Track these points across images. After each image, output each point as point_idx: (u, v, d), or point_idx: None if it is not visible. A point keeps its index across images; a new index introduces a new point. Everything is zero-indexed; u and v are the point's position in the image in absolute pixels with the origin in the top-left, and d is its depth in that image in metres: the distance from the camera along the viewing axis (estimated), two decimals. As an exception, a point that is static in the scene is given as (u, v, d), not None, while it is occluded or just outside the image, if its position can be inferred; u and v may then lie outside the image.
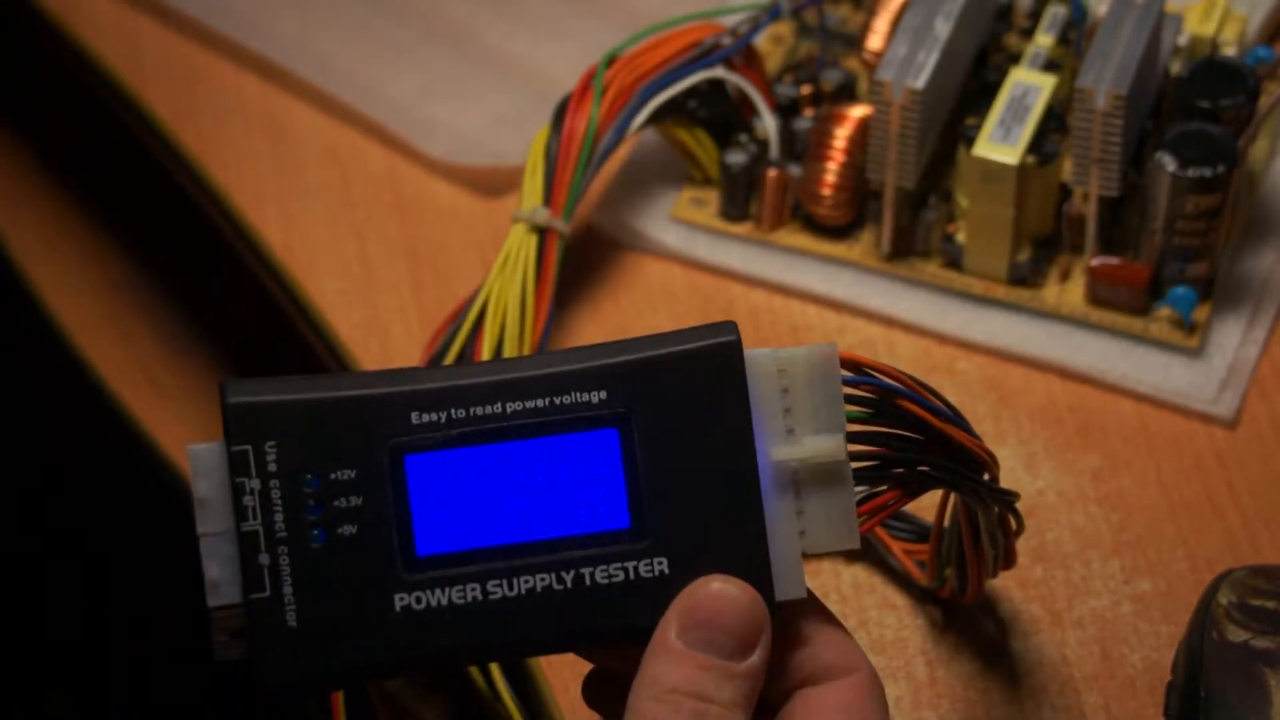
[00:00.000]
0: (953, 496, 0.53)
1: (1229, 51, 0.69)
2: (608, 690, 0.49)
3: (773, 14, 0.70)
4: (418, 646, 0.45)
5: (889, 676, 0.60)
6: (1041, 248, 0.68)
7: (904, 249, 0.68)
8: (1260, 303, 0.67)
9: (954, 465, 0.48)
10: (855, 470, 0.47)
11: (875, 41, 0.72)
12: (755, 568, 0.46)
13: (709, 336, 0.46)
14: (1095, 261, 0.66)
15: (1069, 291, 0.67)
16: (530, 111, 0.73)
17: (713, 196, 0.71)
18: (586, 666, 0.59)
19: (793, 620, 0.47)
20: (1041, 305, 0.67)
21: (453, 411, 0.45)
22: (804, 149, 0.70)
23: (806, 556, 0.46)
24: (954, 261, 0.68)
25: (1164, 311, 0.66)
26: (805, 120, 0.71)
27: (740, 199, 0.70)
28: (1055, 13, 0.70)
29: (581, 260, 0.70)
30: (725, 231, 0.70)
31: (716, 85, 0.70)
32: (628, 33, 0.68)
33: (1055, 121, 0.67)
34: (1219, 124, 0.64)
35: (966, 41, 0.68)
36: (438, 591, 0.45)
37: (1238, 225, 0.68)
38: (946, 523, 0.55)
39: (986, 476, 0.49)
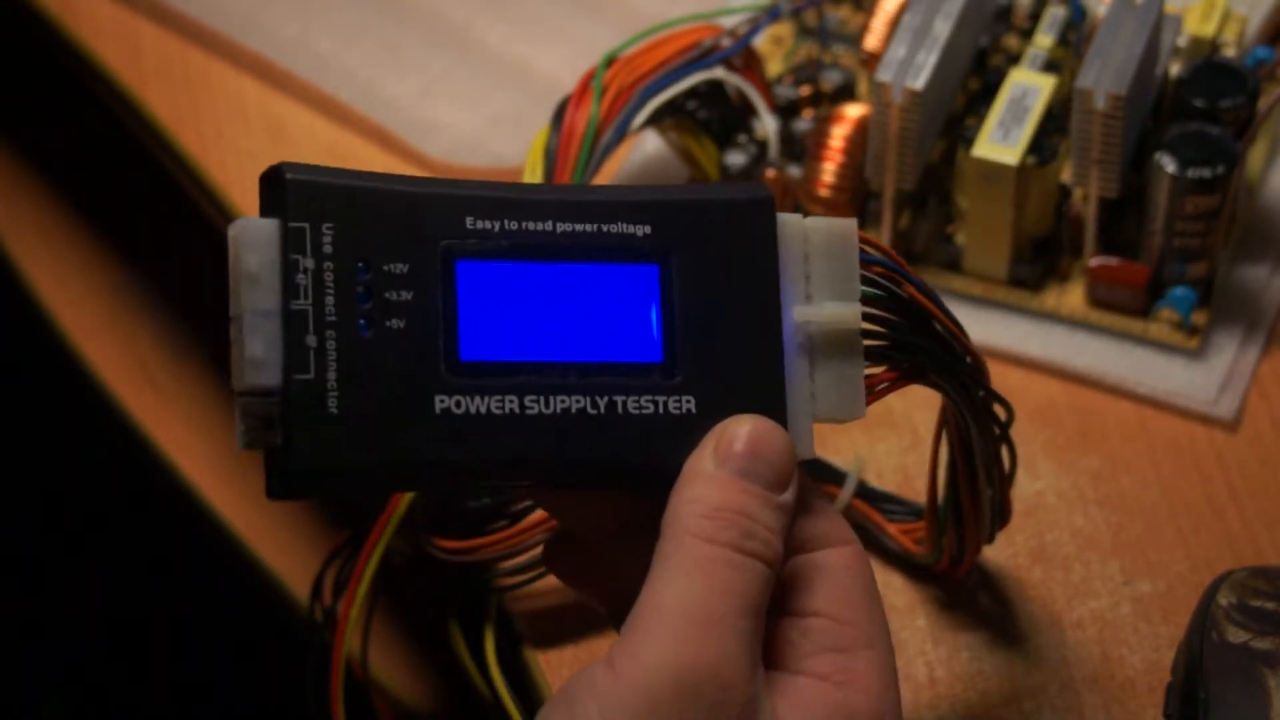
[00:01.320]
0: (946, 434, 0.54)
1: (1229, 52, 0.69)
2: (570, 553, 0.50)
3: (772, 15, 0.70)
4: (452, 450, 0.44)
5: (888, 677, 0.60)
6: (1041, 249, 0.68)
7: (903, 250, 0.68)
8: (1260, 304, 0.67)
9: (950, 358, 0.49)
10: (868, 348, 0.48)
11: (874, 42, 0.72)
12: (776, 419, 0.46)
13: (746, 191, 0.47)
14: (1095, 262, 0.66)
15: (1069, 293, 0.67)
16: (530, 112, 0.73)
17: (712, 197, 0.71)
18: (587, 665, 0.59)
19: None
20: (1041, 306, 0.67)
21: (506, 222, 0.46)
22: (803, 150, 0.70)
23: (817, 420, 0.47)
24: (953, 263, 0.68)
25: (1164, 313, 0.66)
26: (805, 121, 0.71)
27: (740, 200, 0.70)
28: (1055, 14, 0.70)
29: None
30: (725, 232, 0.70)
31: (716, 86, 0.70)
32: (627, 34, 0.68)
33: (1055, 122, 0.67)
34: (1218, 125, 0.64)
35: (966, 42, 0.69)
36: (477, 399, 0.45)
37: (1237, 226, 0.68)
38: (942, 467, 0.56)
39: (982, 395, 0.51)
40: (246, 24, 0.79)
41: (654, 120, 0.68)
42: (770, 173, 0.69)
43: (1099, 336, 0.67)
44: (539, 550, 0.60)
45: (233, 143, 0.76)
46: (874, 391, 0.49)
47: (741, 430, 0.46)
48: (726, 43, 0.69)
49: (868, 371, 0.48)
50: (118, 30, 0.79)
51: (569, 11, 0.79)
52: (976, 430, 0.53)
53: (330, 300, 0.44)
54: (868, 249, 0.48)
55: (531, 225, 0.46)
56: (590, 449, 0.46)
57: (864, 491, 0.62)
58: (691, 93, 0.69)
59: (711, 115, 0.70)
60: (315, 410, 0.43)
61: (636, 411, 0.46)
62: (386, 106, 0.76)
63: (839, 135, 0.68)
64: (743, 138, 0.70)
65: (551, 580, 0.62)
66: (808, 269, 0.47)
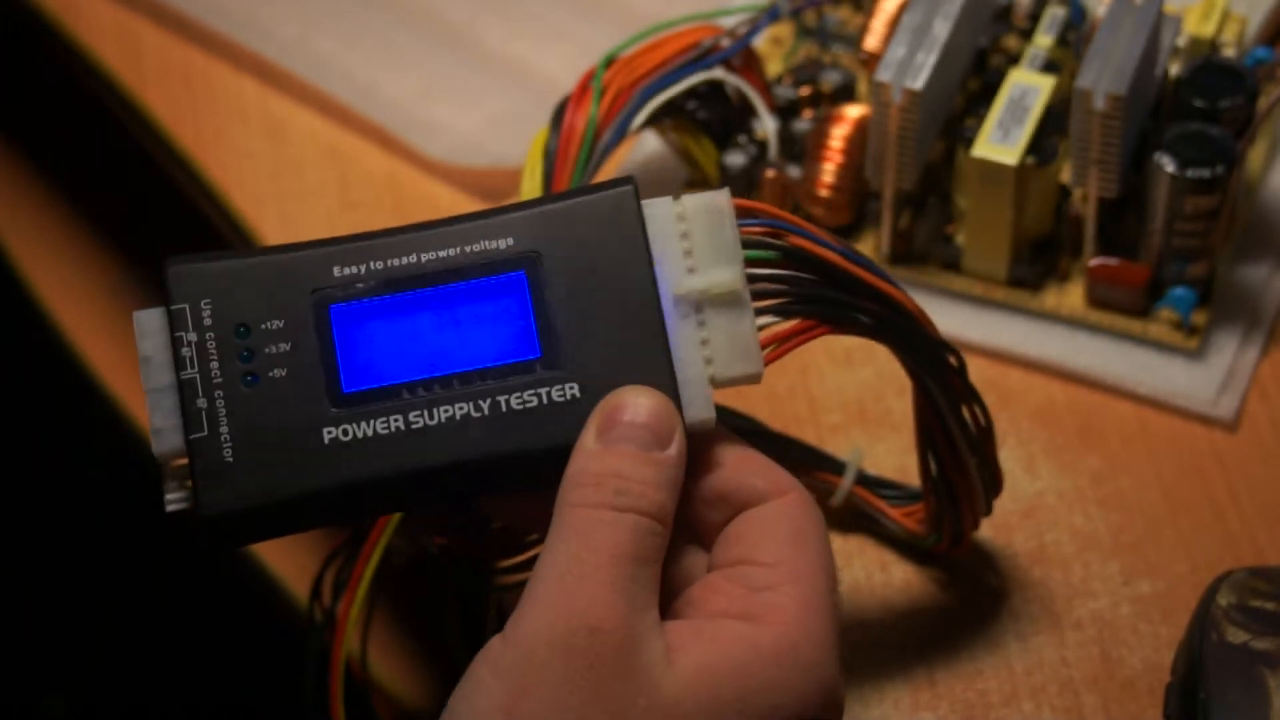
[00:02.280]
0: (914, 407, 0.55)
1: (1228, 52, 0.69)
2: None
3: (771, 15, 0.70)
4: (347, 474, 0.48)
5: (888, 677, 0.60)
6: (1041, 249, 0.68)
7: (903, 250, 0.68)
8: (1260, 304, 0.67)
9: (857, 301, 0.51)
10: (768, 307, 0.50)
11: (874, 43, 0.72)
12: (661, 389, 0.48)
13: (609, 187, 0.49)
14: (1094, 262, 0.66)
15: (1068, 293, 0.67)
16: (529, 112, 0.73)
17: (712, 198, 0.71)
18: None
19: (709, 448, 0.49)
20: (1041, 306, 0.67)
21: (371, 264, 0.49)
22: (803, 150, 0.70)
23: (716, 383, 0.49)
24: (953, 263, 0.68)
25: (1163, 313, 0.66)
26: (804, 121, 0.71)
27: (739, 200, 0.70)
28: (1054, 14, 0.70)
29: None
30: (724, 233, 0.70)
31: (715, 86, 0.70)
32: (627, 34, 0.68)
33: (1054, 123, 0.67)
34: (1218, 125, 0.64)
35: (965, 42, 0.68)
36: (363, 424, 0.48)
37: (1237, 226, 0.68)
38: (925, 446, 0.56)
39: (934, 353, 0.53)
40: (246, 24, 0.79)
41: (653, 120, 0.68)
42: (770, 173, 0.69)
43: (1099, 336, 0.67)
44: (539, 549, 0.60)
45: (233, 143, 0.76)
46: (784, 343, 0.50)
47: (614, 400, 0.48)
48: (726, 43, 0.69)
49: (778, 328, 0.50)
50: (118, 30, 0.79)
51: (569, 11, 0.79)
52: (937, 389, 0.54)
53: (214, 365, 0.48)
54: (759, 212, 0.50)
55: (397, 261, 0.49)
56: (480, 448, 0.48)
57: (863, 479, 0.62)
58: (691, 93, 0.69)
59: (711, 116, 0.70)
60: (214, 462, 0.48)
61: (520, 406, 0.48)
62: (386, 106, 0.76)
63: (838, 136, 0.68)
64: (742, 138, 0.70)
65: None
66: (688, 245, 0.49)
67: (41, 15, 0.80)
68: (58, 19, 0.80)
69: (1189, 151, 0.63)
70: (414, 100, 0.76)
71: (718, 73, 0.69)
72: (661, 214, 0.49)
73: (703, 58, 0.68)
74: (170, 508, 0.48)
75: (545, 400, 0.48)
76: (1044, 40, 0.69)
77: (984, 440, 0.56)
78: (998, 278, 0.68)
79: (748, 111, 0.71)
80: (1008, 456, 0.64)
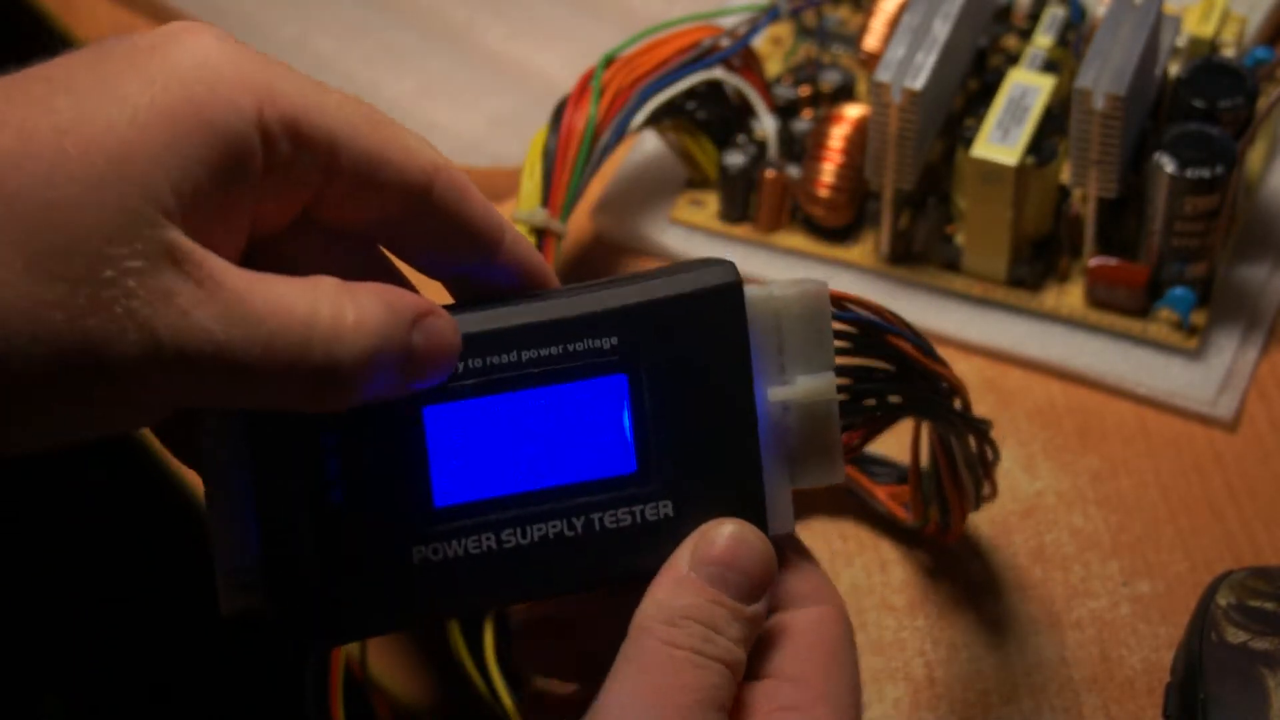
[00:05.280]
0: (925, 434, 0.54)
1: (1228, 53, 0.69)
2: (543, 636, 0.50)
3: (771, 15, 0.70)
4: (436, 598, 0.45)
5: (888, 678, 0.60)
6: (1040, 249, 0.68)
7: (902, 250, 0.68)
8: (1259, 304, 0.67)
9: (929, 394, 0.49)
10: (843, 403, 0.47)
11: (873, 43, 0.72)
12: (753, 506, 0.46)
13: (710, 278, 0.46)
14: (1094, 263, 0.66)
15: (1068, 293, 0.67)
16: (529, 113, 0.73)
17: (711, 198, 0.71)
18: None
19: (777, 549, 0.47)
20: (1040, 307, 0.67)
21: (470, 361, 0.45)
22: (802, 150, 0.70)
23: (795, 488, 0.47)
24: (953, 263, 0.68)
25: (1163, 313, 0.66)
26: (804, 121, 0.71)
27: (739, 200, 0.70)
28: (1054, 14, 0.70)
29: (580, 262, 0.70)
30: (724, 233, 0.70)
31: (715, 86, 0.70)
32: (626, 34, 0.68)
33: (1054, 123, 0.67)
34: (1217, 125, 0.64)
35: (965, 42, 0.69)
36: (454, 543, 0.45)
37: (1236, 226, 0.68)
38: (924, 463, 0.56)
39: (959, 405, 0.51)
40: (246, 24, 0.79)
41: (653, 120, 0.68)
42: (769, 173, 0.69)
43: (1098, 336, 0.67)
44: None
45: (232, 143, 0.75)
46: (853, 447, 0.48)
47: (721, 533, 0.46)
48: (725, 43, 0.69)
49: (849, 424, 0.48)
50: (118, 30, 0.79)
51: (569, 11, 0.79)
52: (957, 442, 0.53)
53: (298, 477, 0.44)
54: (850, 306, 0.47)
55: (496, 359, 0.45)
56: (571, 570, 0.46)
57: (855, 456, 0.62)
58: (690, 93, 0.69)
59: (710, 116, 0.70)
60: (295, 584, 0.44)
61: (614, 525, 0.46)
62: (386, 106, 0.75)
63: (838, 136, 0.68)
64: (742, 138, 0.71)
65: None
66: (780, 342, 0.46)
67: (41, 15, 0.80)
68: (57, 18, 0.80)
69: (1189, 151, 0.63)
70: (413, 100, 0.76)
71: (717, 73, 0.69)
72: (759, 310, 0.46)
73: (702, 58, 0.68)
74: (230, 611, 0.45)
75: (639, 519, 0.46)
76: (1043, 40, 0.69)
77: (990, 466, 0.56)
78: (997, 278, 0.68)
79: (747, 111, 0.71)
80: (1008, 456, 0.64)
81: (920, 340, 0.49)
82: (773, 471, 0.46)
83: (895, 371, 0.49)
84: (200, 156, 0.40)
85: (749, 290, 0.46)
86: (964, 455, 0.54)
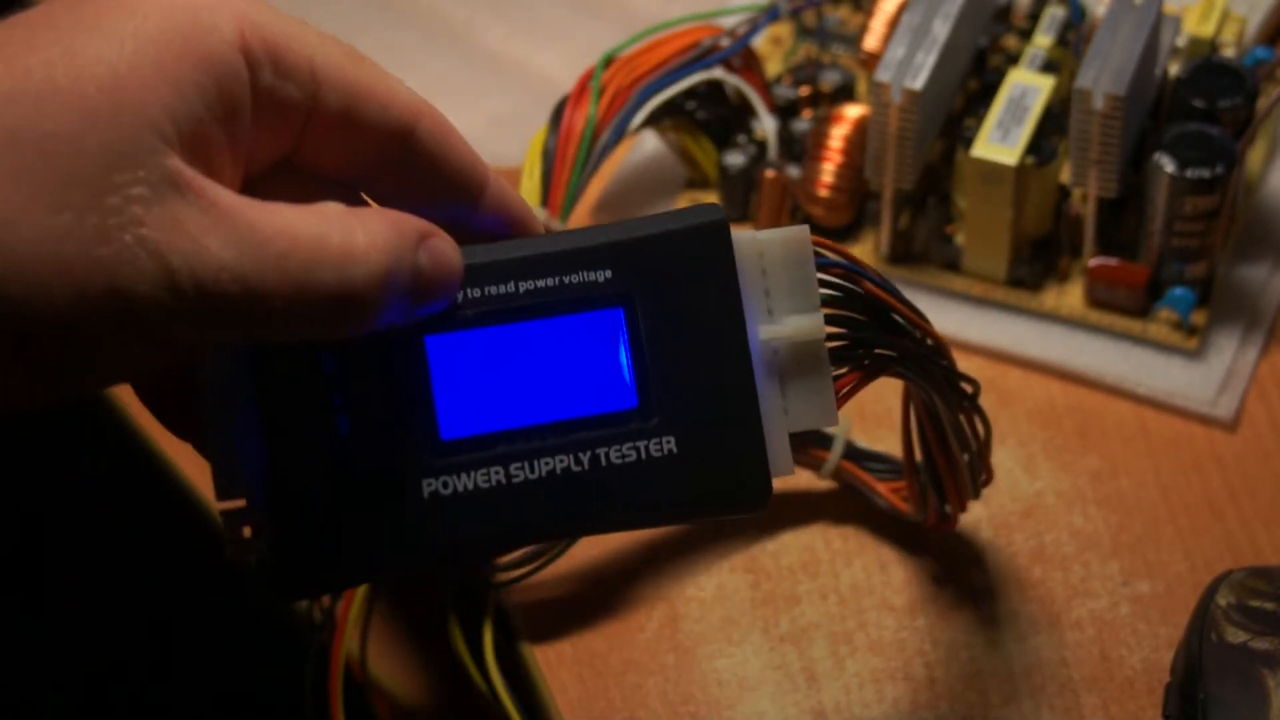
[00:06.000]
0: (913, 407, 0.54)
1: (1227, 52, 0.69)
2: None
3: (771, 15, 0.70)
4: (447, 534, 0.44)
5: (888, 678, 0.60)
6: (1040, 249, 0.68)
7: (902, 250, 0.68)
8: (1259, 304, 0.67)
9: (915, 346, 0.49)
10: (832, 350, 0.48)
11: (873, 43, 0.72)
12: (754, 444, 0.46)
13: (698, 216, 0.46)
14: (1094, 263, 0.66)
15: (1068, 293, 0.67)
16: (528, 113, 0.73)
17: (711, 198, 0.71)
18: (585, 667, 0.59)
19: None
20: (1040, 307, 0.67)
21: (468, 291, 0.45)
22: (802, 150, 0.70)
23: (791, 432, 0.47)
24: (952, 263, 0.68)
25: (1163, 313, 0.66)
26: (804, 121, 0.71)
27: (739, 200, 0.70)
28: (1054, 14, 0.70)
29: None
30: (724, 233, 0.70)
31: (715, 86, 0.70)
32: (626, 34, 0.68)
33: (1054, 123, 0.67)
34: (1217, 125, 0.64)
35: (965, 43, 0.69)
36: (464, 475, 0.44)
37: (1236, 226, 0.68)
38: (914, 435, 0.56)
39: (945, 364, 0.51)
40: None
41: (652, 120, 0.68)
42: (769, 173, 0.69)
43: (1098, 336, 0.67)
44: (537, 547, 0.60)
45: (232, 143, 0.75)
46: (841, 395, 0.48)
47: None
48: (725, 43, 0.69)
49: (837, 374, 0.48)
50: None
51: (568, 11, 0.79)
52: (943, 405, 0.53)
53: (303, 407, 0.43)
54: (823, 252, 0.48)
55: (494, 290, 0.45)
56: (581, 506, 0.45)
57: (852, 452, 0.62)
58: (690, 93, 0.69)
59: (710, 115, 0.70)
60: (305, 521, 0.43)
61: (620, 461, 0.45)
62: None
63: (838, 136, 0.68)
64: (742, 138, 0.71)
65: (549, 576, 0.62)
66: (766, 284, 0.47)
67: None
68: None
69: (1189, 151, 0.63)
70: (413, 100, 0.76)
71: (717, 73, 0.69)
72: (745, 250, 0.46)
73: (702, 58, 0.68)
74: (237, 558, 0.43)
75: (644, 455, 0.45)
76: (1043, 40, 0.69)
77: (983, 443, 0.56)
78: (997, 278, 0.68)
79: (747, 111, 0.71)
80: (1008, 456, 0.64)
81: (898, 293, 0.49)
82: (769, 411, 0.46)
83: (879, 324, 0.49)
84: (193, 81, 0.40)
85: (735, 233, 0.47)
86: (950, 421, 0.54)
